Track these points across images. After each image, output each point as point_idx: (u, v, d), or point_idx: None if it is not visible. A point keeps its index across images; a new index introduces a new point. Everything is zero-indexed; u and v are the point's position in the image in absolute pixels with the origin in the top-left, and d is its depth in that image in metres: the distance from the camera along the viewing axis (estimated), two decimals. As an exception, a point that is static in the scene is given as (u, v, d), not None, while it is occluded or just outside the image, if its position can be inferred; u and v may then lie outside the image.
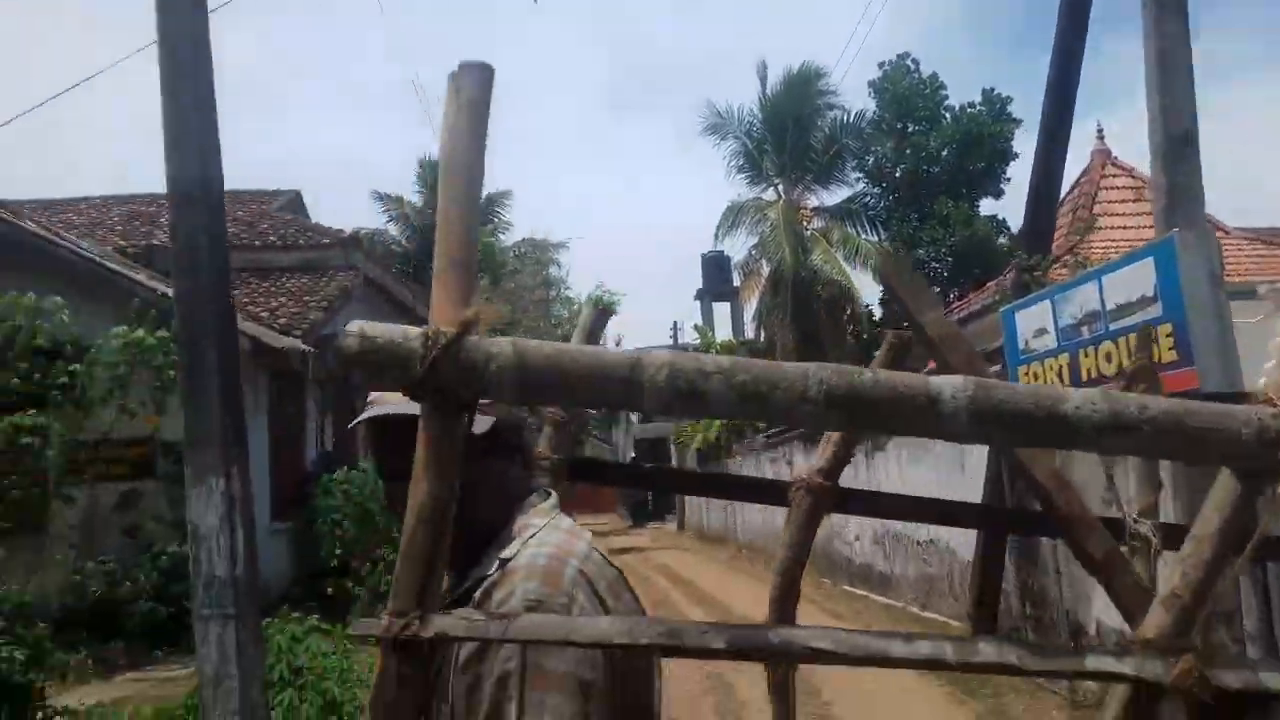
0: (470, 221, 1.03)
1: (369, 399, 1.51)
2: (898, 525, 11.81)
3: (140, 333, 8.83)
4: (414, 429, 1.36)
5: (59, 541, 9.53)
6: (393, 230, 27.85)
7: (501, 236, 28.98)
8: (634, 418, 42.47)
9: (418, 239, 27.27)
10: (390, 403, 1.43)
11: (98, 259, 11.36)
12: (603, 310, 2.00)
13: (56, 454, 9.09)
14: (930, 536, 11.01)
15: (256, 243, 15.89)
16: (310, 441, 13.84)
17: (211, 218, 3.63)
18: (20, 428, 8.80)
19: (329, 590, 10.29)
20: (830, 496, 1.43)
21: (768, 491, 1.78)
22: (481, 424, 1.41)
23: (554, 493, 1.55)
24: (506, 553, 1.37)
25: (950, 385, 0.93)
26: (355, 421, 1.48)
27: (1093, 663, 0.97)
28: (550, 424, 1.84)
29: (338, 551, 10.98)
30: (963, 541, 9.50)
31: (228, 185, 3.93)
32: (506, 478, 1.47)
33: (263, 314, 13.28)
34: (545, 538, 1.39)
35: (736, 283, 29.16)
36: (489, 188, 29.62)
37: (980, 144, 24.66)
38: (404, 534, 0.97)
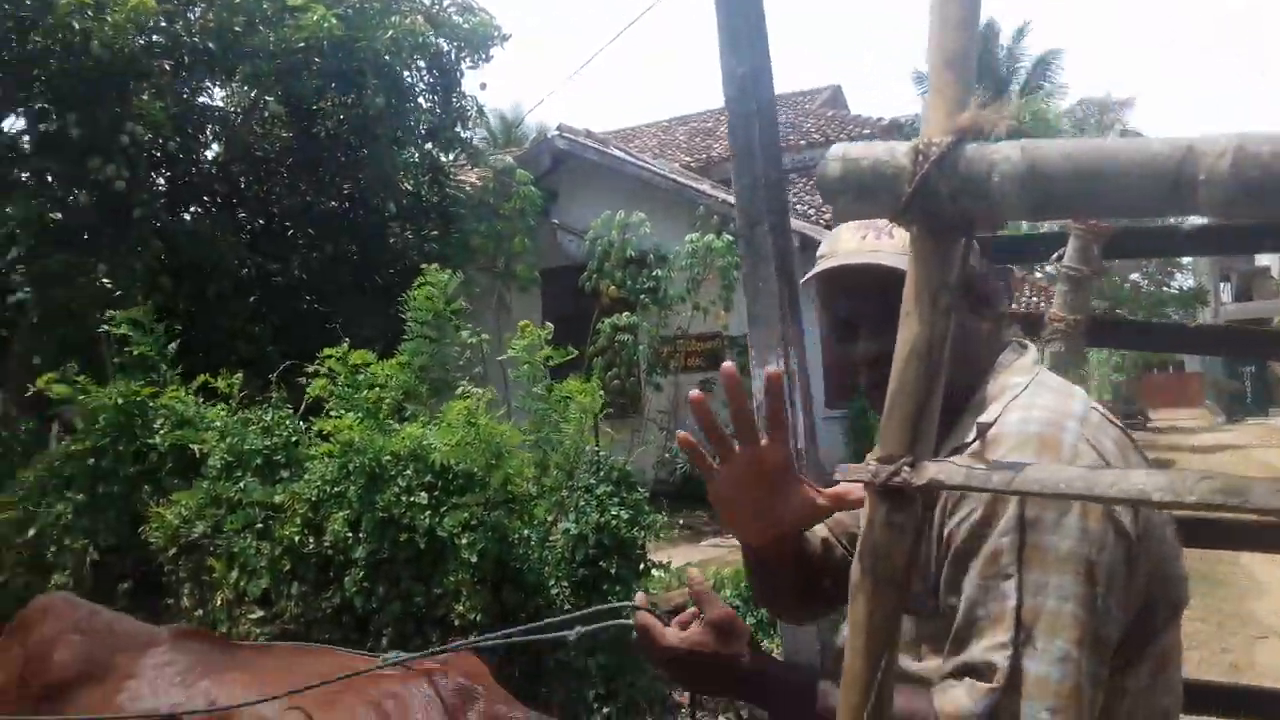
0: (969, 13, 0.87)
1: (819, 254, 1.39)
2: None
3: (709, 238, 9.74)
4: (869, 279, 1.26)
5: (650, 423, 11.04)
6: (933, 112, 26.89)
7: (1055, 102, 26.41)
8: (1226, 294, 36.40)
9: (959, 117, 25.99)
10: (841, 254, 1.32)
11: (668, 175, 12.73)
12: None
13: (646, 348, 10.48)
14: None
15: (802, 142, 16.52)
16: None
17: (763, 116, 3.85)
18: (618, 327, 10.34)
19: (883, 476, 10.62)
20: None
21: None
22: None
23: (1031, 345, 1.32)
24: (985, 417, 1.17)
25: None
26: (806, 278, 1.37)
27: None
28: (1066, 280, 1.64)
29: (889, 439, 11.23)
30: None
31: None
32: (974, 335, 1.27)
33: (809, 211, 13.83)
34: (1032, 399, 1.19)
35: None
36: (1038, 49, 27.19)
37: None
38: (894, 372, 0.88)
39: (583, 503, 4.48)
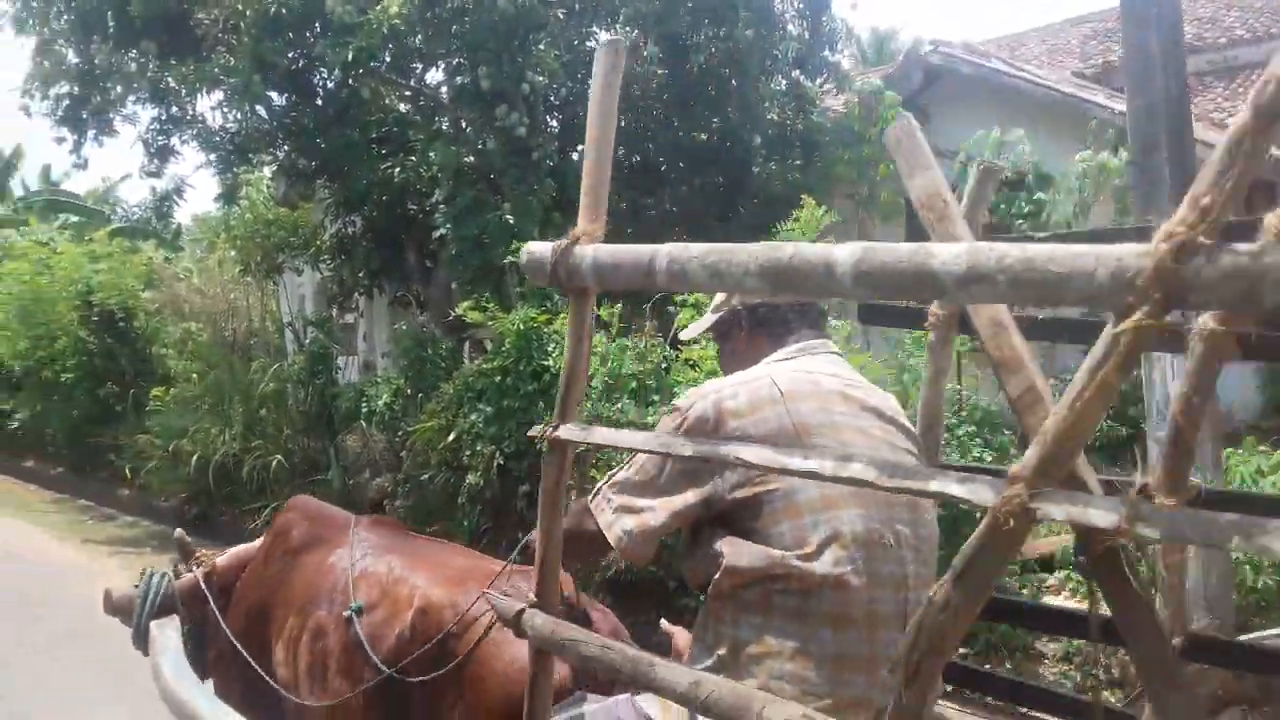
0: (603, 161, 1.53)
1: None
2: None
3: (1103, 156, 8.83)
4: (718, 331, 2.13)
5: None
6: None
7: None
8: None
9: None
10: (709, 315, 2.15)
11: (1052, 85, 11.60)
12: (987, 170, 1.90)
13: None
14: None
15: (1222, 40, 14.24)
16: None
17: (1163, 22, 3.39)
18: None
19: (1311, 427, 9.16)
20: None
21: None
22: (698, 326, 2.18)
23: (803, 341, 1.96)
24: None
25: (845, 251, 1.10)
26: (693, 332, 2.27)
27: (936, 485, 1.13)
28: None
29: (1323, 384, 9.64)
30: None
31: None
32: (751, 347, 2.00)
33: (1228, 121, 11.98)
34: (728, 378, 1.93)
35: None
36: None
37: None
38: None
39: (942, 442, 4.38)
